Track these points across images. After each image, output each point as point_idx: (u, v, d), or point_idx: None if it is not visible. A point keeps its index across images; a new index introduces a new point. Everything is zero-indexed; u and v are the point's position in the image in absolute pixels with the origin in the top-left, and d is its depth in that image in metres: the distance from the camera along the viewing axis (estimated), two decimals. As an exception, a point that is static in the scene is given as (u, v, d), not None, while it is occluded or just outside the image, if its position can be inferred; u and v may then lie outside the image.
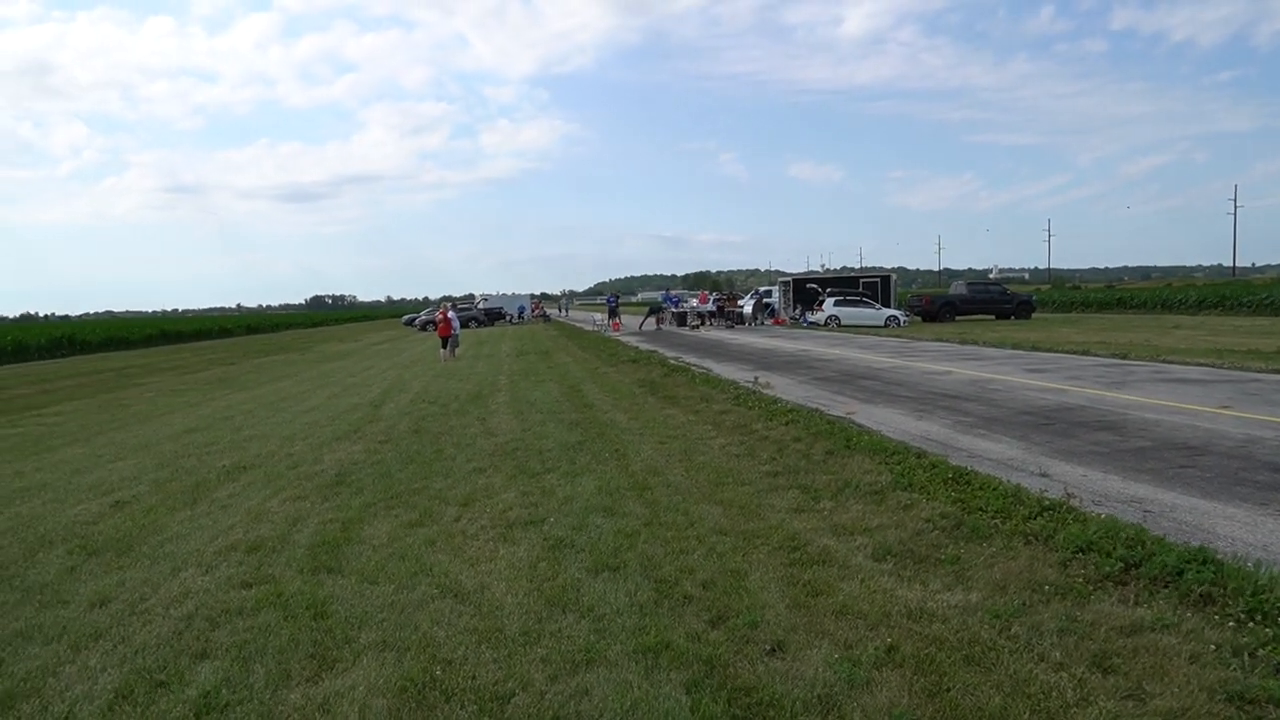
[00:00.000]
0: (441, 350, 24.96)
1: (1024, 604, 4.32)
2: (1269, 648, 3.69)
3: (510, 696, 3.66)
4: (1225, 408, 10.32)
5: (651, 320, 42.47)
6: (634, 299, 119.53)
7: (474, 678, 3.85)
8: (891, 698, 3.48)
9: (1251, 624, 3.91)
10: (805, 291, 40.77)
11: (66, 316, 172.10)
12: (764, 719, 3.40)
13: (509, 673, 3.88)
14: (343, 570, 5.50)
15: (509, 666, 3.94)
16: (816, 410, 11.17)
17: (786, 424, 9.89)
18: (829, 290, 38.43)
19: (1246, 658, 3.64)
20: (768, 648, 4.01)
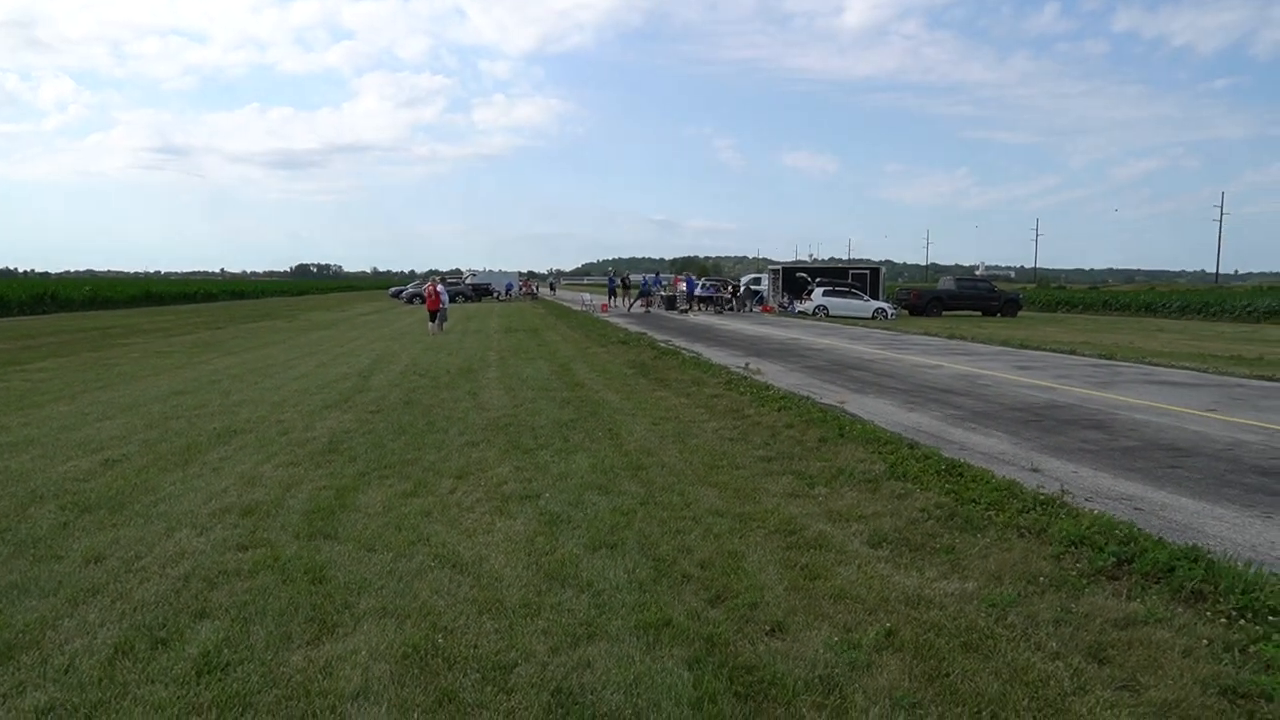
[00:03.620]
0: (430, 324, 24.89)
1: (1019, 594, 4.39)
2: (1259, 645, 3.76)
3: (513, 666, 3.68)
4: (1211, 411, 10.45)
5: (640, 303, 42.50)
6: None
7: (476, 646, 3.86)
8: (892, 680, 3.53)
9: (1242, 621, 3.99)
10: (794, 280, 40.92)
11: (46, 274, 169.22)
12: (766, 698, 3.44)
13: (510, 643, 3.90)
14: (339, 537, 5.50)
15: (510, 637, 3.96)
16: (808, 398, 11.22)
17: (779, 410, 9.94)
18: (818, 280, 38.56)
19: (1238, 653, 3.71)
20: (768, 628, 4.05)
